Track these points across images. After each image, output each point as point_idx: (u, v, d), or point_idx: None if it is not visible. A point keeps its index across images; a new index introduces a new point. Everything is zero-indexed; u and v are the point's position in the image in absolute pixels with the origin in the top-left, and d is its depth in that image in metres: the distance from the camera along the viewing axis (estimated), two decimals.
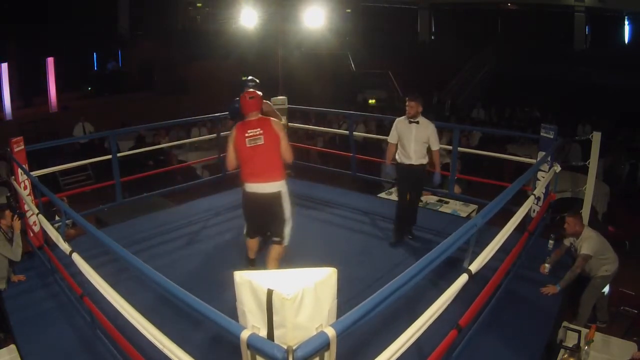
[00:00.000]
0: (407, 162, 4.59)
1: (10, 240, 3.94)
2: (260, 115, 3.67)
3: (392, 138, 4.69)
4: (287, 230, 3.74)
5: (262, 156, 3.57)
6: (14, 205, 4.35)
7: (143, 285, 3.31)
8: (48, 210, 4.79)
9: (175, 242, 4.83)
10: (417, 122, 4.49)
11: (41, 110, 12.72)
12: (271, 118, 3.73)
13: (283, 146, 3.62)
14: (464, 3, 17.60)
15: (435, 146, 4.57)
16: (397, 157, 4.66)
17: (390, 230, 4.86)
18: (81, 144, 10.78)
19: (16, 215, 4.05)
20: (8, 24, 11.64)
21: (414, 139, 4.51)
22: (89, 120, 11.11)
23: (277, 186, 3.62)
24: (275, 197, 3.63)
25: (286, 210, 3.70)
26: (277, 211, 3.67)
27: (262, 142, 3.55)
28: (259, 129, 3.57)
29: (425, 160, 4.62)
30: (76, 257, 2.86)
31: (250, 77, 4.34)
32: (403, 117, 4.60)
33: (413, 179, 4.64)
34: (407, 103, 4.54)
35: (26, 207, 4.33)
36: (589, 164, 4.62)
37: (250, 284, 1.87)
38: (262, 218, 3.76)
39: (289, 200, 3.73)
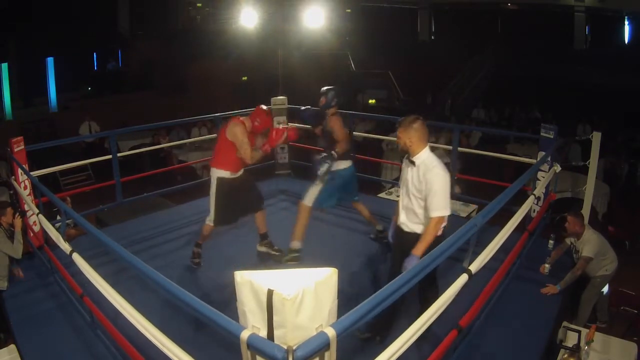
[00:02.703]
0: (397, 222, 3.17)
1: (11, 238, 3.94)
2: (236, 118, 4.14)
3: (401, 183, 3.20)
4: (211, 213, 4.17)
5: None
6: (16, 203, 4.36)
7: (143, 285, 3.31)
8: (49, 211, 4.79)
9: (175, 242, 4.83)
10: (413, 163, 2.98)
11: (41, 110, 12.72)
12: (232, 122, 4.03)
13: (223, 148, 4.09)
14: (464, 3, 17.57)
15: (434, 211, 2.85)
16: None
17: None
18: (87, 143, 10.80)
19: (17, 213, 4.05)
20: (8, 24, 11.64)
21: (405, 189, 3.07)
22: (94, 120, 11.14)
23: (210, 172, 4.17)
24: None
25: (211, 195, 4.14)
26: None
27: None
28: None
29: (421, 229, 2.99)
30: (76, 257, 2.86)
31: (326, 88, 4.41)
32: None
33: (402, 251, 3.01)
34: None
35: (26, 207, 4.33)
36: (589, 164, 4.62)
37: (251, 284, 1.87)
38: None
39: (214, 193, 4.11)
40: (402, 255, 2.96)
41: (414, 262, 2.76)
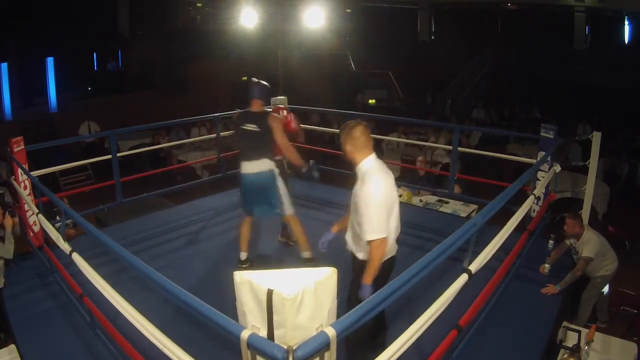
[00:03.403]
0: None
1: (2, 238, 3.93)
2: None
3: None
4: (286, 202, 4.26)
5: None
6: (9, 203, 4.34)
7: (143, 285, 3.30)
8: (49, 211, 4.79)
9: (175, 242, 4.83)
10: (356, 174, 2.71)
11: (41, 110, 12.72)
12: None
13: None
14: (464, 3, 17.56)
15: (364, 233, 2.52)
16: None
17: None
18: (87, 143, 10.81)
19: (7, 213, 4.04)
20: (8, 24, 11.65)
21: (349, 206, 2.77)
22: (94, 120, 11.15)
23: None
24: None
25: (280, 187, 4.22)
26: None
27: None
28: None
29: (365, 254, 2.65)
30: (76, 257, 2.86)
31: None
32: None
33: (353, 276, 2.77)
34: None
35: (26, 207, 4.33)
36: (589, 164, 4.62)
37: (250, 284, 1.87)
38: None
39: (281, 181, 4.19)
40: (354, 279, 2.75)
41: (367, 292, 2.46)
